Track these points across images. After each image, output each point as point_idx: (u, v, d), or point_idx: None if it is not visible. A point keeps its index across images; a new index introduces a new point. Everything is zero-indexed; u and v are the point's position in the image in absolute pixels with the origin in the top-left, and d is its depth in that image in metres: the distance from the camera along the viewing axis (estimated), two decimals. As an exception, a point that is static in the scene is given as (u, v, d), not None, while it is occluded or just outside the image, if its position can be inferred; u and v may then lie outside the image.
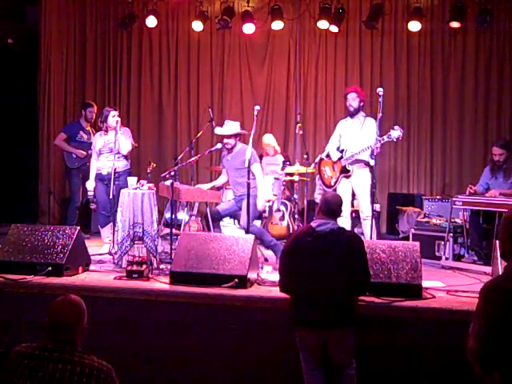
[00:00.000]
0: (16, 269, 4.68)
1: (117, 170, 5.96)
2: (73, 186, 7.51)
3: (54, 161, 8.51)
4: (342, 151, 6.03)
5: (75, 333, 2.60)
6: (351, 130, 6.06)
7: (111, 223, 6.13)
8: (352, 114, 6.05)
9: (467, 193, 6.05)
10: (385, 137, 5.65)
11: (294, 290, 3.78)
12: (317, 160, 6.45)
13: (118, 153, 6.14)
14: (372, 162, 5.74)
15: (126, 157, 6.25)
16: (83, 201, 7.57)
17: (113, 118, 6.13)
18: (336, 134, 6.23)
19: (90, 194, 6.35)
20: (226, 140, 5.86)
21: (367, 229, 5.89)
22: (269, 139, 7.73)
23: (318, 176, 6.31)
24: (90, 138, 7.46)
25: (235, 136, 5.86)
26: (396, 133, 5.64)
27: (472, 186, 6.10)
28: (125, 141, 6.15)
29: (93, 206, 6.56)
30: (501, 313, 2.25)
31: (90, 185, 6.28)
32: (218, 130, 6.01)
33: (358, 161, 5.92)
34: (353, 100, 6.03)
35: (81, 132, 7.48)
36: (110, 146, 6.11)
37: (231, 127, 5.88)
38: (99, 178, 6.23)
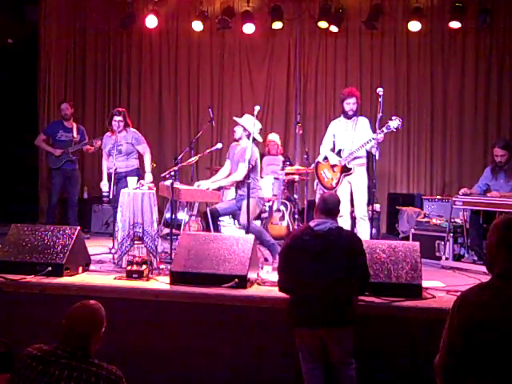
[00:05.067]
0: (16, 269, 4.67)
1: (120, 169, 6.10)
2: (52, 187, 7.45)
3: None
4: (339, 152, 6.01)
5: (89, 341, 2.56)
6: (346, 129, 6.05)
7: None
8: (349, 117, 6.04)
9: (460, 193, 6.05)
10: (384, 128, 5.66)
11: (293, 290, 3.78)
12: (312, 165, 6.44)
13: (126, 155, 6.27)
14: (376, 154, 5.73)
15: (133, 157, 6.37)
16: (77, 200, 7.57)
17: (114, 122, 6.20)
18: (329, 135, 6.19)
19: (105, 193, 6.33)
20: (235, 128, 5.91)
21: (361, 229, 5.88)
22: (274, 136, 7.83)
23: (316, 181, 6.27)
24: (71, 135, 7.39)
25: (244, 130, 5.85)
26: (395, 123, 5.65)
27: (466, 190, 6.10)
28: (145, 150, 6.38)
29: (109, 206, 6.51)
30: (463, 326, 2.14)
31: (104, 185, 6.31)
32: (236, 118, 6.03)
33: (356, 157, 5.92)
34: (353, 104, 5.99)
35: (60, 131, 7.38)
36: (118, 148, 6.20)
37: (245, 120, 5.87)
38: (110, 178, 6.19)
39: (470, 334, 2.11)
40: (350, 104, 5.99)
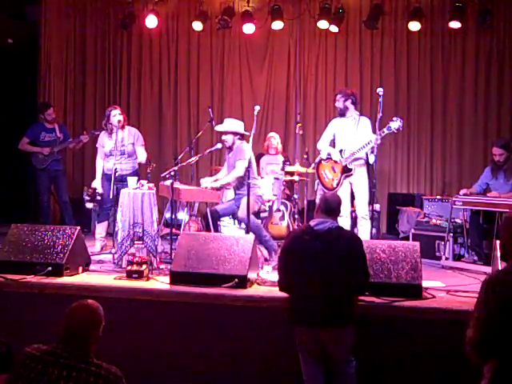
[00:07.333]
0: (16, 269, 4.67)
1: (126, 171, 6.13)
2: (40, 187, 7.36)
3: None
4: (340, 151, 6.03)
5: (88, 340, 2.55)
6: (346, 128, 6.07)
7: (107, 221, 6.31)
8: (341, 114, 6.10)
9: (461, 193, 6.06)
10: (384, 129, 5.67)
11: (293, 289, 3.77)
12: (312, 165, 6.46)
13: (130, 156, 6.27)
14: (372, 159, 5.72)
15: (135, 158, 6.36)
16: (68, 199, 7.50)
17: (114, 117, 6.16)
18: (329, 133, 6.22)
19: (98, 191, 6.27)
20: (223, 137, 5.91)
21: (362, 228, 5.89)
22: (273, 134, 7.90)
23: (317, 181, 6.28)
24: (55, 135, 7.33)
25: (233, 134, 5.86)
26: (396, 124, 5.66)
27: (466, 191, 6.11)
28: (143, 152, 6.30)
29: (90, 206, 6.41)
30: (500, 303, 2.33)
31: (98, 184, 6.26)
32: (217, 127, 6.07)
33: (356, 158, 5.93)
34: (337, 101, 6.11)
35: (43, 133, 7.31)
36: (122, 149, 6.19)
37: (228, 124, 5.92)
38: (108, 178, 6.17)
39: (507, 312, 2.32)
40: (336, 102, 6.14)
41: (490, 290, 2.40)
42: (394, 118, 5.72)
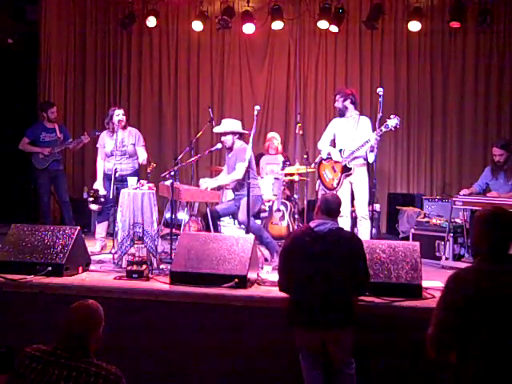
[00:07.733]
0: (16, 269, 4.68)
1: (126, 171, 6.15)
2: (40, 187, 7.36)
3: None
4: (340, 151, 6.04)
5: (88, 340, 2.56)
6: (346, 128, 6.08)
7: (107, 221, 6.32)
8: (341, 114, 6.12)
9: (461, 193, 6.06)
10: (382, 127, 5.68)
11: (293, 290, 3.77)
12: (313, 165, 6.47)
13: (131, 156, 6.29)
14: (371, 158, 5.73)
15: (136, 158, 6.36)
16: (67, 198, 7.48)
17: (116, 117, 6.18)
18: (329, 133, 6.23)
19: (101, 193, 6.24)
20: (222, 138, 5.91)
21: (362, 228, 5.90)
22: (274, 134, 7.90)
23: (318, 181, 6.30)
24: (55, 135, 7.32)
25: (232, 134, 5.86)
26: (393, 121, 5.68)
27: (466, 190, 6.12)
28: (144, 152, 6.31)
29: (94, 208, 6.36)
30: (458, 301, 2.38)
31: (100, 186, 6.26)
32: (216, 129, 6.07)
33: (356, 157, 5.94)
34: (337, 101, 6.14)
35: (43, 133, 7.29)
36: (123, 149, 6.19)
37: (226, 125, 5.92)
38: (108, 178, 6.19)
39: (463, 311, 2.36)
40: (336, 102, 6.16)
41: (449, 288, 2.43)
42: (392, 116, 5.74)
